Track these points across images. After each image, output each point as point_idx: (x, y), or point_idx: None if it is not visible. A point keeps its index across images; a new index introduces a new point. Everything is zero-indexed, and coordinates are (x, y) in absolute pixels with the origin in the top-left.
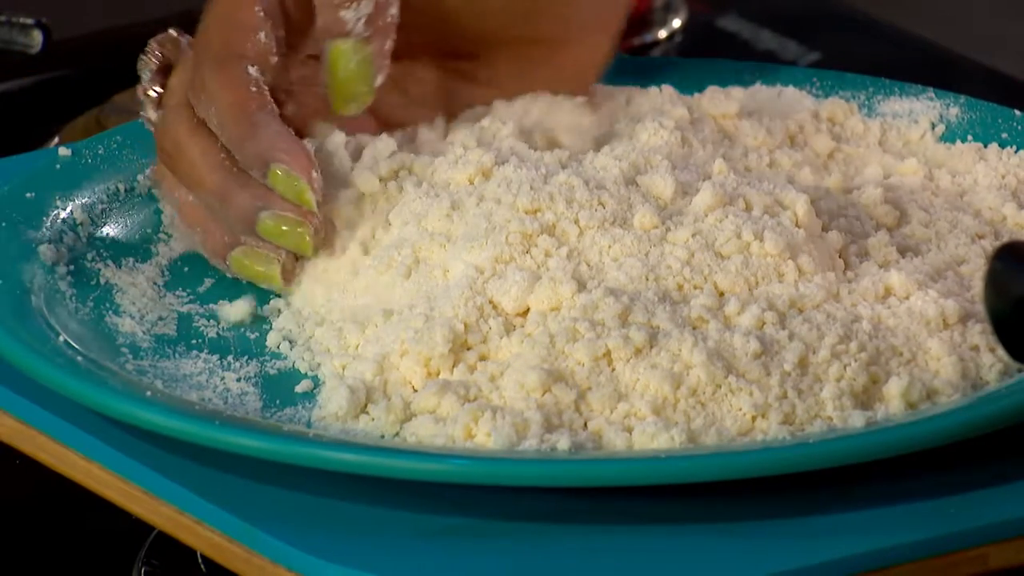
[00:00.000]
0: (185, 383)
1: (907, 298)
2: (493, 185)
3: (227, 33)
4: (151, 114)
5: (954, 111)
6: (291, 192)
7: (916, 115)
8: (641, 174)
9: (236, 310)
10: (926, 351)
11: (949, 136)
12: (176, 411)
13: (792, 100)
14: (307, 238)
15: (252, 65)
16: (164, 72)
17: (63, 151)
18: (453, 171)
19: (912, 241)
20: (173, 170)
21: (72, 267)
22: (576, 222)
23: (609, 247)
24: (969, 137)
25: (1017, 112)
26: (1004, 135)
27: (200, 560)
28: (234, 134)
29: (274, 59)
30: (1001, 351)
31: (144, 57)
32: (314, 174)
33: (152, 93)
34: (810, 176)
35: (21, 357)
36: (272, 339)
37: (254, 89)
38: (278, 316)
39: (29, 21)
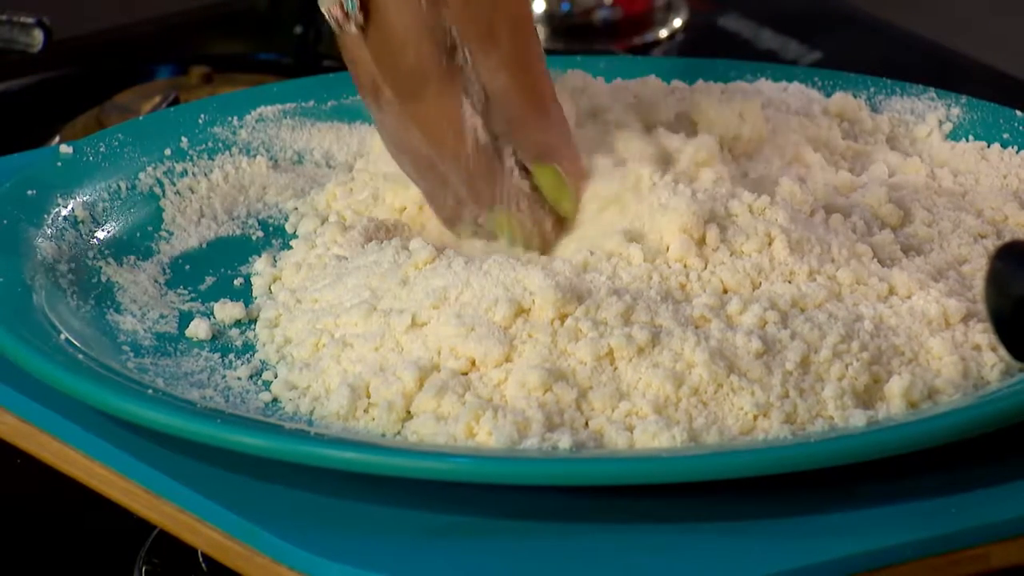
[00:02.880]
0: (186, 381)
1: (909, 297)
2: None
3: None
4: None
5: (955, 111)
6: (552, 193)
7: (919, 114)
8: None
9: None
10: (928, 350)
11: (951, 136)
12: (177, 409)
13: (797, 94)
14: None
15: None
16: None
17: (64, 148)
18: None
19: (915, 240)
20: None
21: (73, 265)
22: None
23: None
24: (971, 137)
25: (1018, 112)
26: (1005, 135)
27: (201, 558)
28: (521, 115)
29: None
30: (1002, 350)
31: None
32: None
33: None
34: (820, 175)
35: (22, 355)
36: (267, 335)
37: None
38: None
39: (30, 20)
